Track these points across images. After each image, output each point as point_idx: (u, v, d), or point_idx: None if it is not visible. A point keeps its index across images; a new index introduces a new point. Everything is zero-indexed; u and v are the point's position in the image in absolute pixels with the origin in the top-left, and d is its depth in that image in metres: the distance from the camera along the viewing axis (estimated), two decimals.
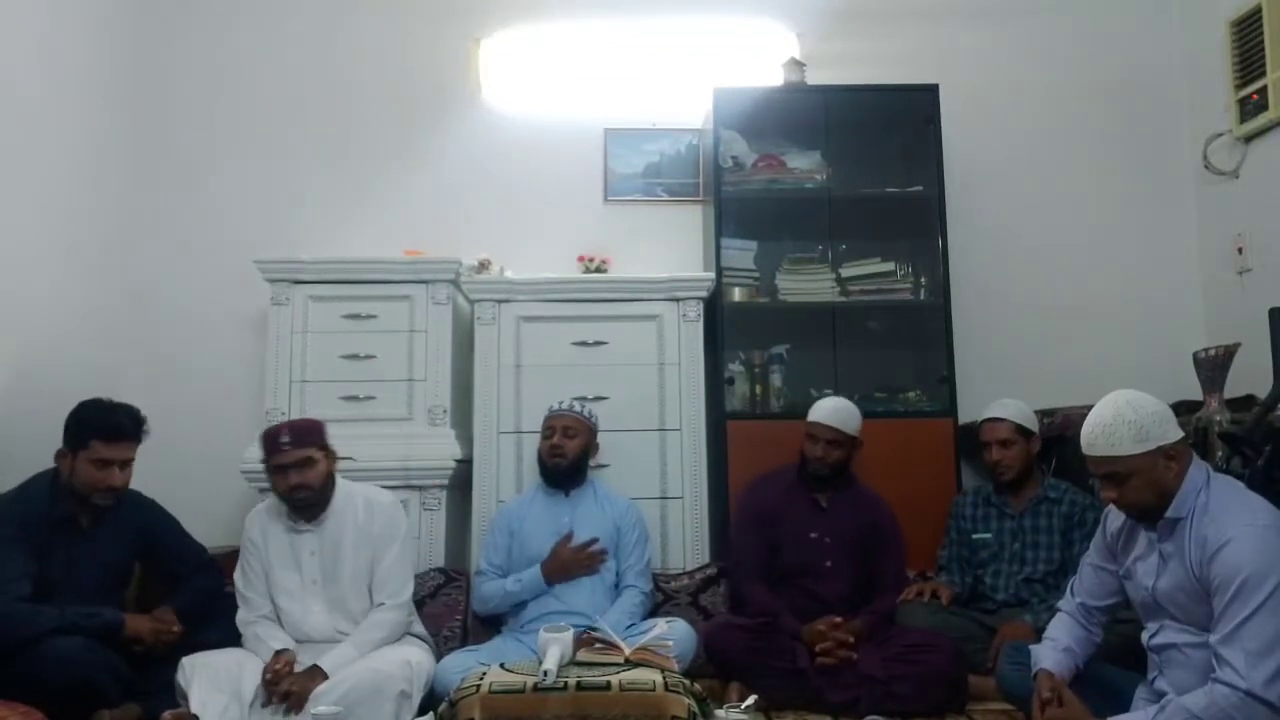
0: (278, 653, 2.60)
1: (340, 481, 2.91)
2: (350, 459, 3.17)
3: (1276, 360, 2.68)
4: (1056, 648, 2.27)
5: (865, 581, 3.12)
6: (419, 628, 2.97)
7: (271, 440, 2.78)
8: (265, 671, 2.54)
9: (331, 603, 2.80)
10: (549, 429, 3.16)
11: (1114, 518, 2.27)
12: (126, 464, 2.69)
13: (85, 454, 2.63)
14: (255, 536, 2.85)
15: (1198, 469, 2.10)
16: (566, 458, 3.12)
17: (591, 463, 3.24)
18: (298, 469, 2.75)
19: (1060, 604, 2.40)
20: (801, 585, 3.09)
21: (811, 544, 3.12)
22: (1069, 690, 2.17)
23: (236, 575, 2.85)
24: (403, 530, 2.94)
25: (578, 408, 3.19)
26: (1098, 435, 2.09)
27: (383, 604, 2.80)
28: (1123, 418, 2.06)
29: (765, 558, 3.14)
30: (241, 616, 2.78)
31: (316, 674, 2.55)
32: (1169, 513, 2.07)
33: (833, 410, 3.19)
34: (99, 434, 2.63)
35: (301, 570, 2.81)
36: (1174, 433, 2.07)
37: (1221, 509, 2.02)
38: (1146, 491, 2.07)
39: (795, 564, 3.12)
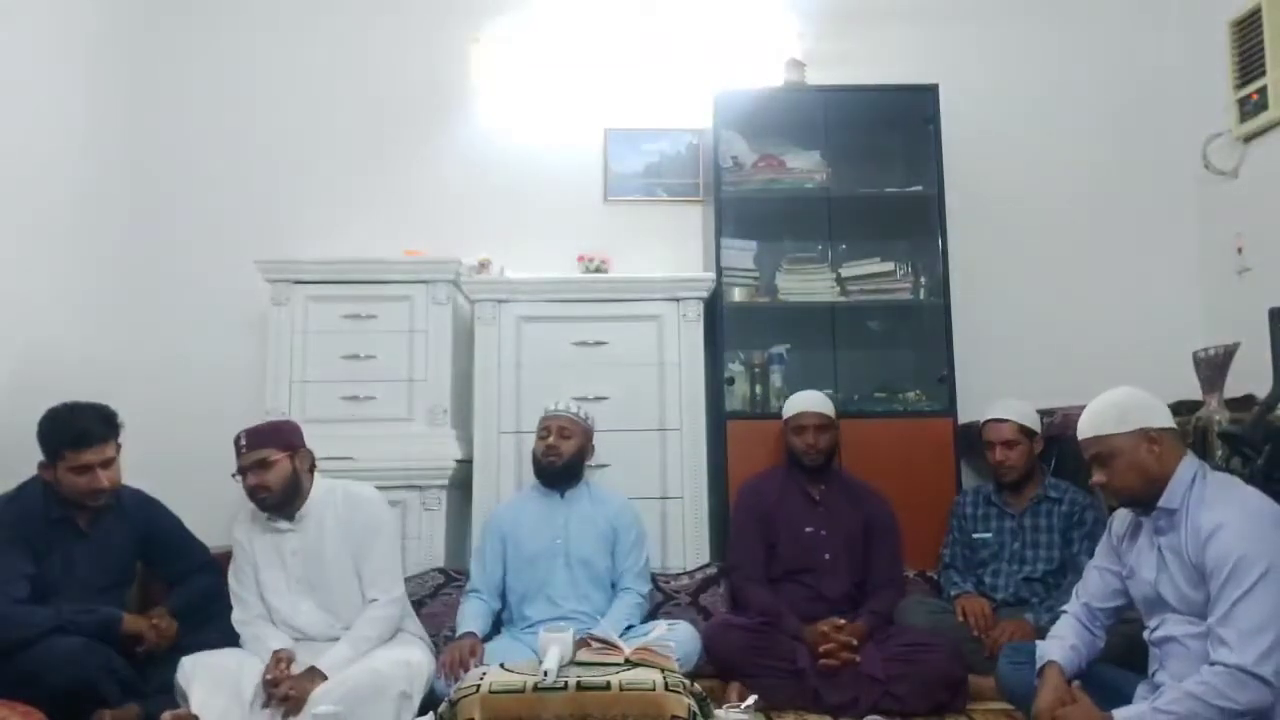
0: (276, 653, 2.60)
1: (319, 479, 2.90)
2: (350, 459, 3.18)
3: (1276, 360, 2.68)
4: (1064, 644, 2.28)
5: (865, 578, 3.12)
6: (412, 624, 2.95)
7: (235, 445, 2.82)
8: (265, 673, 2.54)
9: (320, 600, 2.80)
10: (544, 429, 3.14)
11: (1119, 521, 2.33)
12: (108, 463, 2.66)
13: (63, 464, 2.62)
14: (241, 538, 2.86)
15: (1189, 463, 2.15)
16: (561, 458, 3.10)
17: (588, 464, 3.22)
18: (254, 471, 2.77)
19: (1065, 606, 2.42)
20: (802, 581, 3.10)
21: (809, 538, 3.13)
22: (1080, 691, 2.18)
23: (230, 576, 2.85)
24: (388, 524, 2.92)
25: (574, 409, 3.15)
26: (1086, 417, 2.22)
27: (375, 600, 2.79)
28: (1108, 401, 2.21)
29: (764, 558, 3.14)
30: (237, 616, 2.78)
31: (315, 675, 2.54)
32: (1163, 502, 2.13)
33: (813, 398, 3.30)
34: (66, 443, 2.61)
35: (286, 570, 2.81)
36: (1159, 419, 2.16)
37: (1215, 497, 2.09)
38: (1129, 473, 2.14)
39: (794, 560, 3.12)
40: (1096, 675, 2.28)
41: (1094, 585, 2.36)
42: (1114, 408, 2.18)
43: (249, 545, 2.84)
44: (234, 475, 2.81)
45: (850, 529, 3.14)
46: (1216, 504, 2.06)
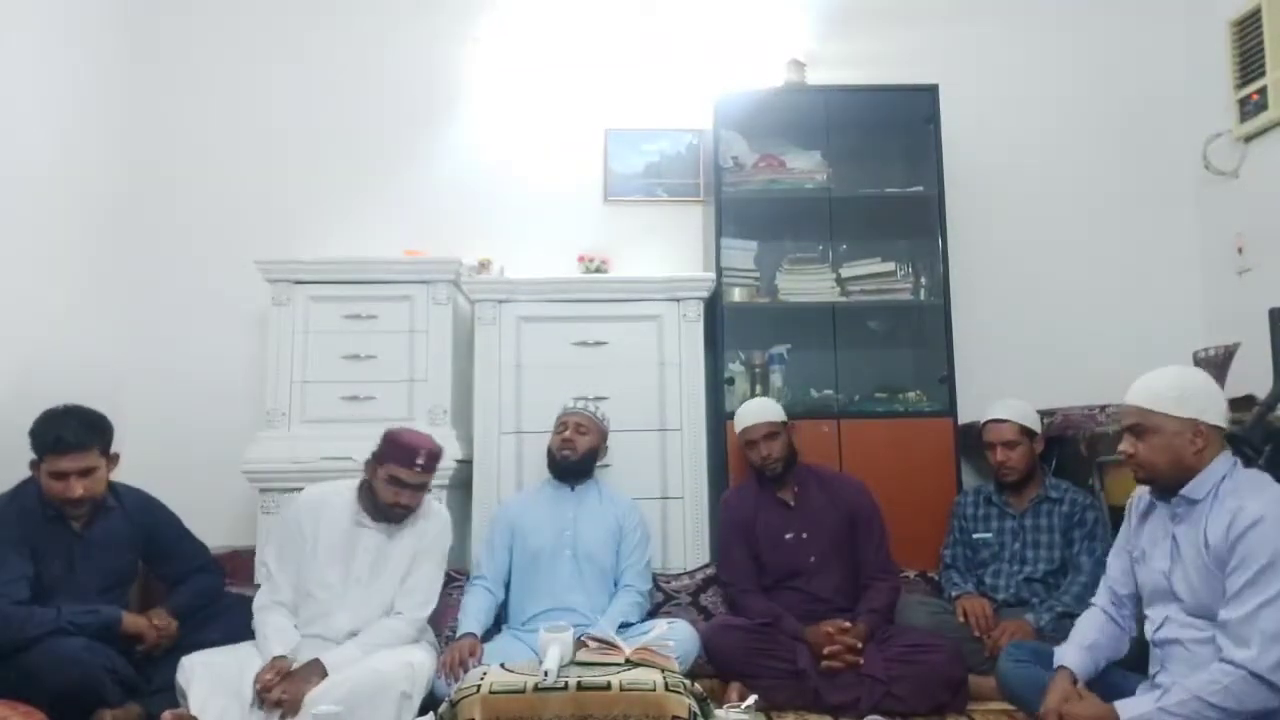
0: (275, 660, 2.56)
1: None
2: (350, 459, 3.17)
3: (1276, 360, 2.68)
4: (1081, 645, 2.26)
5: (857, 570, 3.10)
6: (430, 636, 2.94)
7: (406, 453, 2.76)
8: (255, 680, 2.50)
9: (364, 601, 2.77)
10: (562, 424, 3.19)
11: (1137, 503, 2.29)
12: (87, 472, 2.59)
13: (44, 467, 2.60)
14: (305, 523, 2.81)
15: (1226, 458, 2.11)
16: (576, 452, 3.15)
17: (598, 464, 3.25)
18: (412, 491, 2.78)
19: (1093, 600, 2.39)
20: (793, 587, 3.08)
21: (789, 545, 3.11)
22: (1086, 690, 2.17)
23: (269, 551, 2.83)
24: (445, 548, 2.93)
25: (591, 408, 3.22)
26: (1143, 385, 2.12)
27: (399, 614, 2.78)
28: (1173, 378, 2.11)
29: (754, 569, 3.13)
30: (260, 599, 2.76)
31: (316, 670, 2.54)
32: (1186, 491, 2.09)
33: (755, 409, 3.25)
34: (44, 448, 2.58)
35: (350, 566, 2.78)
36: (1213, 416, 2.08)
37: (1252, 490, 2.03)
38: (1161, 454, 2.09)
39: (780, 569, 3.10)
40: (1101, 676, 2.27)
41: (1116, 570, 2.32)
42: (1176, 389, 2.08)
43: (313, 532, 2.80)
44: (384, 479, 2.75)
45: (832, 527, 3.11)
46: (1254, 496, 2.00)
